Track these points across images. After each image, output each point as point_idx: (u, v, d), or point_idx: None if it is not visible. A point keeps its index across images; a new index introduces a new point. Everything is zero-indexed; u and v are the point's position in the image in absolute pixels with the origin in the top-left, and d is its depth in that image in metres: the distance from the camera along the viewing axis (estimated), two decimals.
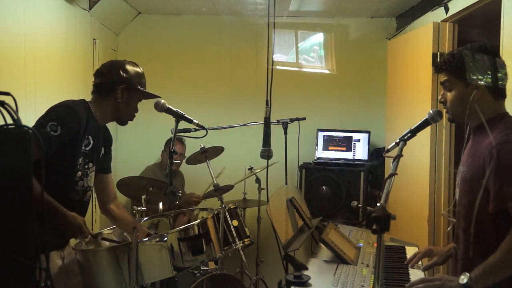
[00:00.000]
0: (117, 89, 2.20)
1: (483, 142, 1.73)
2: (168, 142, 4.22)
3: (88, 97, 2.32)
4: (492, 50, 1.80)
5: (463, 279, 1.64)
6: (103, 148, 2.34)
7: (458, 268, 1.83)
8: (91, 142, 2.19)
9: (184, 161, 3.74)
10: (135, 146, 4.43)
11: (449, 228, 2.03)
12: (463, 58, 1.77)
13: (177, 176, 4.20)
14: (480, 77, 1.75)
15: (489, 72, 1.76)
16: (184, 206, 3.72)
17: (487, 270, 1.64)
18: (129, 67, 2.24)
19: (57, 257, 2.17)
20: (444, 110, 1.89)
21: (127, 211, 2.53)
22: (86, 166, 2.20)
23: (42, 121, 1.99)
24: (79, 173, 2.16)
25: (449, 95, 1.82)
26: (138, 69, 2.29)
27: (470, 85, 1.76)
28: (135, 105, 2.29)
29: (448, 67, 1.80)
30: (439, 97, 1.90)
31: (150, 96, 2.32)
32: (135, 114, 2.32)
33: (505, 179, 1.61)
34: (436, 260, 2.12)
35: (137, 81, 2.25)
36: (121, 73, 2.21)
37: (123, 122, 2.33)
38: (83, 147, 2.15)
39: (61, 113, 2.04)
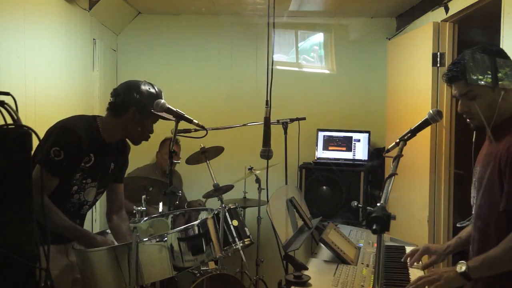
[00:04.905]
0: (129, 110, 2.20)
1: (501, 141, 1.72)
2: (163, 143, 4.23)
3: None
4: (497, 50, 1.80)
5: (461, 267, 1.66)
6: (112, 164, 2.35)
7: None
8: (92, 159, 2.20)
9: (184, 161, 3.73)
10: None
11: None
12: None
13: (173, 177, 4.18)
14: (505, 77, 1.73)
15: (510, 71, 1.74)
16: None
17: (486, 262, 1.65)
18: (144, 89, 2.22)
19: (61, 252, 2.22)
20: (468, 120, 1.83)
21: (127, 224, 2.51)
22: (84, 181, 2.22)
23: (46, 148, 2.04)
24: (75, 187, 2.20)
25: (475, 103, 1.76)
26: (153, 90, 2.26)
27: (496, 88, 1.73)
28: (149, 126, 2.28)
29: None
30: (460, 109, 1.82)
31: (164, 118, 2.31)
32: (150, 135, 2.31)
33: None
34: (435, 259, 2.12)
35: (151, 103, 2.23)
36: (135, 95, 2.20)
37: (135, 142, 2.33)
38: (82, 164, 2.17)
39: (60, 135, 2.09)
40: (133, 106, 2.20)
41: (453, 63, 1.83)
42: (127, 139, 2.39)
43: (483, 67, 1.74)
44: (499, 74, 1.73)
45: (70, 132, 2.10)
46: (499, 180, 1.67)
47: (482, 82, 1.74)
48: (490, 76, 1.73)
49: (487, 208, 1.75)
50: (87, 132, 2.16)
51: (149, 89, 2.25)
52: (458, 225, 2.10)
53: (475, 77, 1.74)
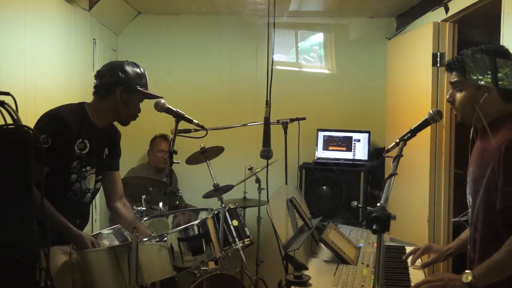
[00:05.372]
0: (116, 90, 2.21)
1: (491, 141, 1.72)
2: (153, 141, 4.24)
3: (88, 98, 2.32)
4: (507, 53, 1.80)
5: (467, 277, 1.63)
6: (106, 149, 2.35)
7: (473, 268, 1.81)
8: (88, 145, 2.20)
9: (184, 161, 3.73)
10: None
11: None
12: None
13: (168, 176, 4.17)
14: (503, 78, 1.74)
15: (502, 76, 1.75)
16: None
17: (491, 268, 1.63)
18: (128, 68, 2.24)
19: (63, 252, 2.22)
20: (454, 111, 1.89)
21: (132, 211, 2.54)
22: (83, 169, 2.22)
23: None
24: (74, 175, 2.20)
25: (459, 95, 1.81)
26: (138, 70, 2.28)
27: (481, 88, 1.74)
28: (136, 105, 2.29)
29: (461, 67, 1.79)
30: (447, 96, 1.90)
31: (150, 96, 2.32)
32: (138, 114, 2.32)
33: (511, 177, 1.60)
34: (435, 258, 2.12)
35: (137, 81, 2.24)
36: (120, 74, 2.21)
37: (124, 123, 2.34)
38: (78, 151, 2.17)
39: (47, 123, 2.09)
40: (119, 85, 2.21)
41: (458, 54, 1.86)
42: (116, 123, 2.39)
43: (478, 65, 1.75)
44: (499, 75, 1.73)
45: (57, 119, 2.10)
46: (493, 178, 1.67)
47: (469, 79, 1.76)
48: (478, 75, 1.75)
49: (483, 207, 1.75)
50: (76, 117, 2.16)
51: (133, 67, 2.27)
52: (452, 219, 2.11)
53: (466, 71, 1.77)
